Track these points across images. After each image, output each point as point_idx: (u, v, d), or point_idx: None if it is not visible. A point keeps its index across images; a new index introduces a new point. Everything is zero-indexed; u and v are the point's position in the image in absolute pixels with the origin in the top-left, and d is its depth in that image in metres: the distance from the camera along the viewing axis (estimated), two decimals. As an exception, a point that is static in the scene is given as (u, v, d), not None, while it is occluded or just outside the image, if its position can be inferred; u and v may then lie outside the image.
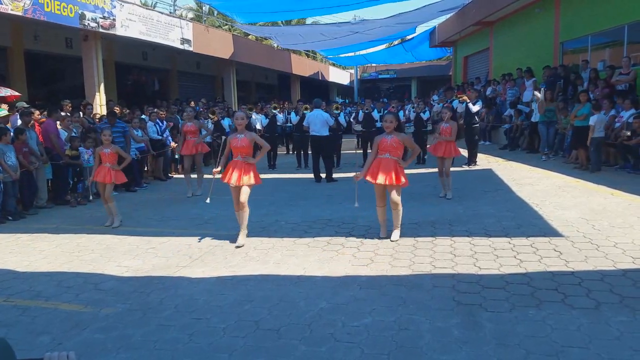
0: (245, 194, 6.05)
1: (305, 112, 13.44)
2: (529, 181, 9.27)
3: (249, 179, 6.05)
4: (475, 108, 11.52)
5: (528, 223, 6.40)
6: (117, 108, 11.96)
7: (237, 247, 5.96)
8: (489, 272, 4.78)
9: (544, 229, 6.09)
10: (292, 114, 14.96)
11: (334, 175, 10.86)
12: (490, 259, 5.12)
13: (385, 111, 13.62)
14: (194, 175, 9.93)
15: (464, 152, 11.89)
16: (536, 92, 11.98)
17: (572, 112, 10.76)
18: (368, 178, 5.93)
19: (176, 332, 3.82)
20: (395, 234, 6.01)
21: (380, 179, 5.78)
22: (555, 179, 9.32)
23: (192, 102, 16.33)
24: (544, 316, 3.79)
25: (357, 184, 6.09)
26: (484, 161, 12.10)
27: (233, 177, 6.02)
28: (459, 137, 8.56)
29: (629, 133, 9.50)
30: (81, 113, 10.86)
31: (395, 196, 5.86)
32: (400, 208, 5.94)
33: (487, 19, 18.80)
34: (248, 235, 6.29)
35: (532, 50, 16.45)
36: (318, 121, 10.84)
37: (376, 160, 5.95)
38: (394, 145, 5.88)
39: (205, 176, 9.69)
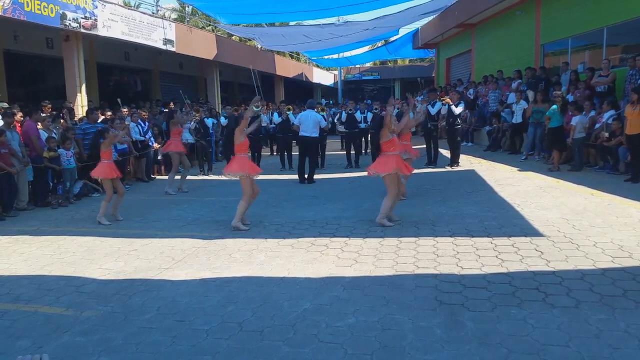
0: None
1: (288, 112, 13.44)
2: (510, 182, 9.37)
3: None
4: (457, 110, 11.62)
5: (510, 223, 6.47)
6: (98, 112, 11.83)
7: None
8: (471, 272, 4.82)
9: (525, 229, 6.16)
10: (275, 115, 14.93)
11: (317, 177, 10.85)
12: (473, 259, 5.16)
13: (369, 113, 13.75)
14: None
15: (447, 154, 11.98)
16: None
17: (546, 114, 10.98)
18: None
19: (158, 335, 3.79)
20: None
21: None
22: (536, 180, 9.43)
23: (172, 104, 16.18)
24: (525, 315, 3.83)
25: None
26: (466, 162, 12.19)
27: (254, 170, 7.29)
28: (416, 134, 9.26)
29: (606, 134, 9.65)
30: (62, 115, 10.73)
31: None
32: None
33: (469, 21, 18.96)
34: (231, 237, 6.43)
35: (513, 52, 16.63)
36: (310, 122, 10.79)
37: None
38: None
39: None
